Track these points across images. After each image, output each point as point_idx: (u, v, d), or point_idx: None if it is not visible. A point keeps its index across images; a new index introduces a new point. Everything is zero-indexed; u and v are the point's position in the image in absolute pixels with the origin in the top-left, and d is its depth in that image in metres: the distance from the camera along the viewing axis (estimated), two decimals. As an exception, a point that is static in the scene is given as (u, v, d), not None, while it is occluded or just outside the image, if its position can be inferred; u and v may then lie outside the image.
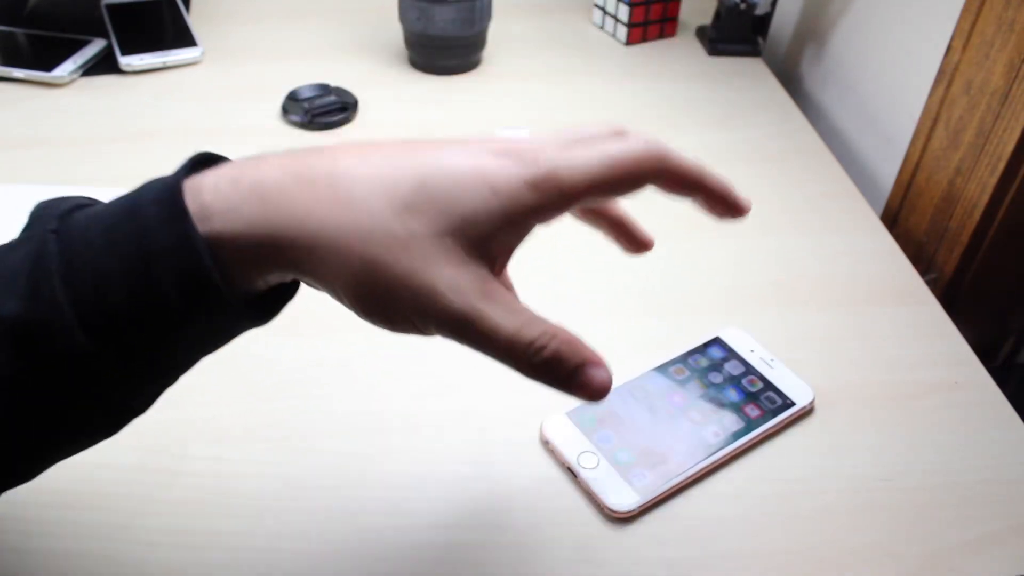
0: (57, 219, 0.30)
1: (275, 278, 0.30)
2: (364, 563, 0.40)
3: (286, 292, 0.32)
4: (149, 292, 0.28)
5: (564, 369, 0.30)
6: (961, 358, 0.53)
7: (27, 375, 0.29)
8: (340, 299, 0.30)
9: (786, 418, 0.47)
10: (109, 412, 0.32)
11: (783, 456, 0.46)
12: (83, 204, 0.32)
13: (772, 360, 0.50)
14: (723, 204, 0.34)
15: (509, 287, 0.37)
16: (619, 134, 0.33)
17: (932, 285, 0.60)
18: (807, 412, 0.48)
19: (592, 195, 0.31)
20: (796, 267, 0.60)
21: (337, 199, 0.29)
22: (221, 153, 0.32)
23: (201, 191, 0.29)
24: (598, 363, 0.30)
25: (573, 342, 0.30)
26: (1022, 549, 0.42)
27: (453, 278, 0.29)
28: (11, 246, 0.31)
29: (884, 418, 0.48)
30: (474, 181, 0.29)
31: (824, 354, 0.52)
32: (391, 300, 0.29)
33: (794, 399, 0.48)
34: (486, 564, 0.40)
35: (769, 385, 0.49)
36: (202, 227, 0.28)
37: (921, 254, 0.66)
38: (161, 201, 0.29)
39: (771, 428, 0.47)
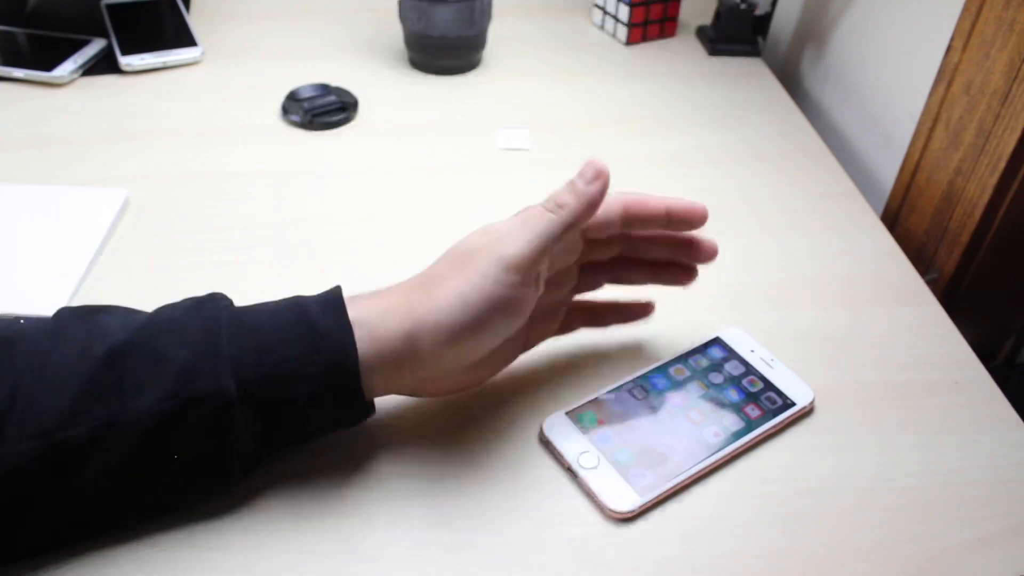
0: (230, 300, 0.41)
1: (391, 378, 0.41)
2: (364, 563, 0.40)
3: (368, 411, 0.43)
4: (304, 362, 0.38)
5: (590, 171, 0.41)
6: (961, 358, 0.53)
7: (173, 415, 0.36)
8: (457, 348, 0.40)
9: (786, 418, 0.47)
10: (217, 467, 0.39)
11: (783, 456, 0.46)
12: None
13: (772, 360, 0.50)
14: (688, 220, 0.46)
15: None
16: None
17: (932, 285, 0.60)
18: (807, 412, 0.48)
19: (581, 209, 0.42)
20: (796, 267, 0.60)
21: (432, 285, 0.41)
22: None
23: (353, 294, 0.41)
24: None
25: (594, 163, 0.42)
26: (1022, 549, 0.42)
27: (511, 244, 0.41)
28: (173, 306, 0.40)
29: (884, 418, 0.48)
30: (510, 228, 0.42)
31: (824, 354, 0.52)
32: (482, 315, 0.40)
33: (794, 399, 0.48)
34: (486, 564, 0.40)
35: (769, 385, 0.49)
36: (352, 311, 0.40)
37: (921, 254, 0.66)
38: (322, 300, 0.40)
39: (771, 428, 0.47)
